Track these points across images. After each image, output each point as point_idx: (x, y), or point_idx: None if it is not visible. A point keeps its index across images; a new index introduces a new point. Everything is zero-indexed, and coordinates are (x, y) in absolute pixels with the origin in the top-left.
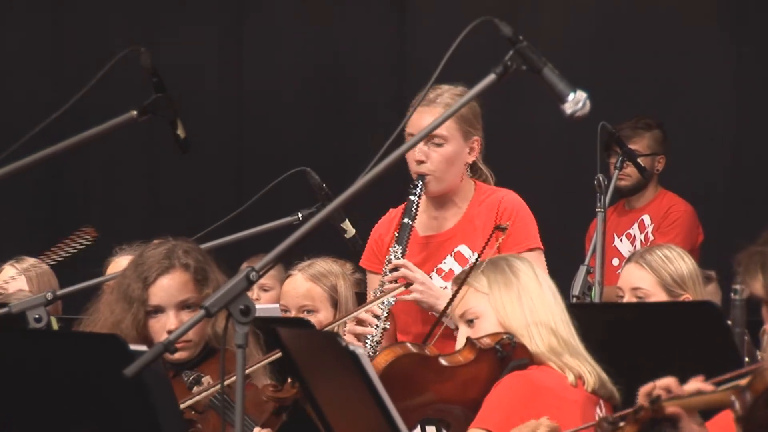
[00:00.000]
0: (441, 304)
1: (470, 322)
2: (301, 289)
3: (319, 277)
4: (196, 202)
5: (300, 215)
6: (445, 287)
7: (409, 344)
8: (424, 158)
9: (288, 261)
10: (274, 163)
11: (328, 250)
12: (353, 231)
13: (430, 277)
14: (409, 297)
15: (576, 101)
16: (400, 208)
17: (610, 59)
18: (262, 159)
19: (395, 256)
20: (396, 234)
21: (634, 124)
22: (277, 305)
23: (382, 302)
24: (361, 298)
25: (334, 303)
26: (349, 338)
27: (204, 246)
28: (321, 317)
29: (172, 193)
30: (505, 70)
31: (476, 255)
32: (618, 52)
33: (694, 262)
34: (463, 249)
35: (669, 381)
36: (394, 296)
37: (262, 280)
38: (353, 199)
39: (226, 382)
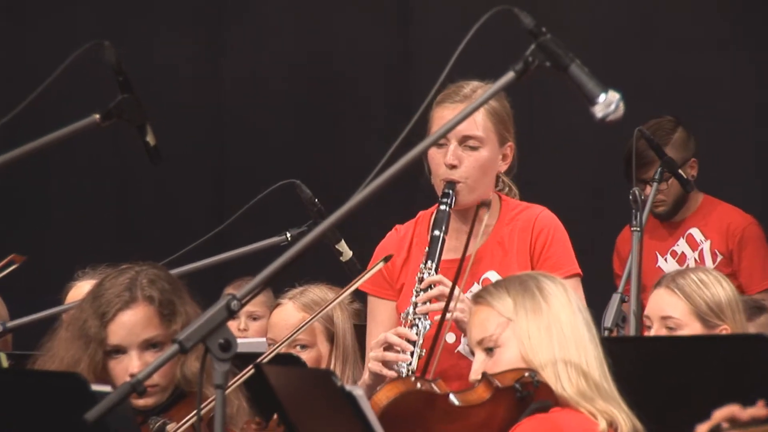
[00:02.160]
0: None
1: (489, 351)
2: (292, 321)
3: (313, 306)
4: (170, 219)
5: (289, 235)
6: None
7: (414, 379)
8: (456, 162)
9: (276, 287)
10: (259, 174)
11: (322, 276)
12: (350, 253)
13: None
14: (449, 317)
15: (608, 103)
16: (409, 224)
17: (640, 55)
18: (246, 170)
19: (428, 273)
20: (426, 249)
21: (659, 125)
22: (264, 339)
23: (417, 326)
24: (359, 331)
25: (331, 337)
26: (374, 366)
27: (179, 270)
28: (315, 353)
29: (143, 209)
30: (525, 67)
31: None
32: (649, 47)
33: (734, 288)
34: (493, 276)
35: (731, 410)
36: (428, 317)
37: (250, 307)
38: (350, 216)
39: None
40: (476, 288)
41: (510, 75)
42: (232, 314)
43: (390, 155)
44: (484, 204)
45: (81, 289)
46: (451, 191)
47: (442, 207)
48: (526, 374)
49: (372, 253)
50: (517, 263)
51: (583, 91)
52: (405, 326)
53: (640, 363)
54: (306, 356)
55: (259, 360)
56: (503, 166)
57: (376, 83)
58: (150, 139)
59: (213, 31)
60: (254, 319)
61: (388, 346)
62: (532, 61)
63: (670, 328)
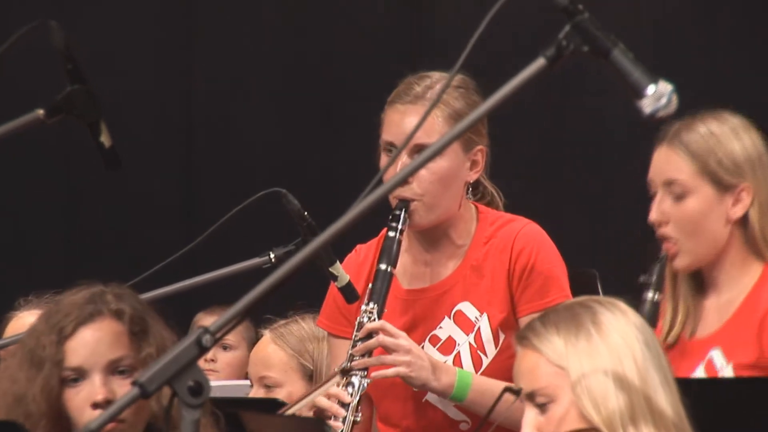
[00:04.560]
0: (438, 381)
1: (541, 407)
2: (262, 354)
3: (288, 339)
4: (129, 237)
5: (273, 255)
6: (446, 361)
7: None
8: (409, 177)
9: (256, 316)
10: (237, 182)
11: (314, 303)
12: (347, 277)
13: (422, 348)
14: (390, 373)
15: (658, 96)
16: (371, 244)
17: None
18: (222, 177)
19: (369, 317)
20: (370, 286)
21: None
22: (247, 381)
23: (352, 384)
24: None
25: (308, 374)
26: None
27: (142, 296)
28: (286, 394)
29: (97, 224)
30: (559, 53)
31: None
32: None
33: (758, 139)
34: (467, 308)
35: None
36: (367, 375)
37: None
38: (347, 233)
39: None
40: (447, 324)
41: (540, 62)
42: (204, 351)
43: (393, 161)
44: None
45: (23, 320)
46: (401, 212)
47: (390, 233)
48: None
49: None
50: (494, 291)
51: (628, 82)
52: (341, 383)
53: (708, 406)
54: (280, 396)
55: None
56: (472, 175)
57: (377, 77)
58: (105, 139)
59: (183, 10)
60: (225, 348)
61: (319, 410)
62: (566, 46)
63: (677, 196)
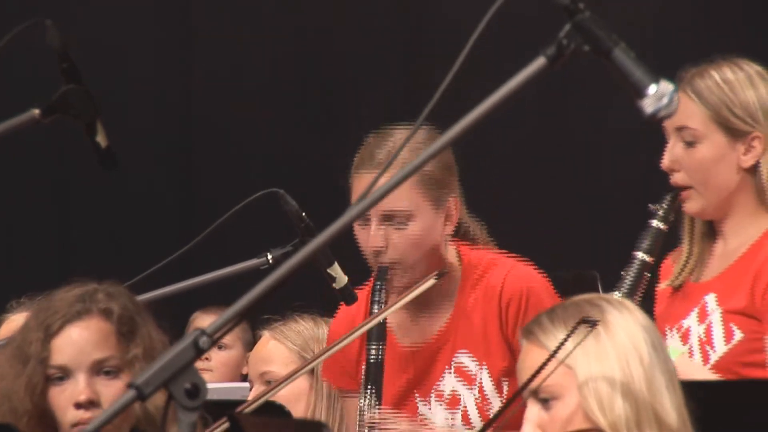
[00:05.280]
0: None
1: (545, 402)
2: (262, 351)
3: (288, 334)
4: (125, 238)
5: (270, 256)
6: (454, 416)
7: None
8: (382, 243)
9: (256, 319)
10: (234, 182)
11: (313, 305)
12: (345, 279)
13: (428, 405)
14: None
15: (659, 96)
16: (361, 295)
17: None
18: (219, 177)
19: (368, 404)
20: (363, 372)
21: None
22: (246, 384)
23: None
24: None
25: (311, 371)
26: None
27: (139, 298)
28: (292, 391)
29: (92, 225)
30: (559, 52)
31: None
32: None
33: None
34: (466, 360)
35: None
36: None
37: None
38: (345, 234)
39: None
40: (449, 378)
41: (541, 61)
42: (200, 353)
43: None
44: (440, 274)
45: (15, 322)
46: (380, 282)
47: (375, 306)
48: None
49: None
50: (490, 340)
51: (629, 81)
52: None
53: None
54: (280, 394)
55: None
56: (448, 227)
57: (378, 74)
58: (101, 139)
59: (181, 9)
60: (220, 348)
61: None
62: (567, 45)
63: (688, 142)
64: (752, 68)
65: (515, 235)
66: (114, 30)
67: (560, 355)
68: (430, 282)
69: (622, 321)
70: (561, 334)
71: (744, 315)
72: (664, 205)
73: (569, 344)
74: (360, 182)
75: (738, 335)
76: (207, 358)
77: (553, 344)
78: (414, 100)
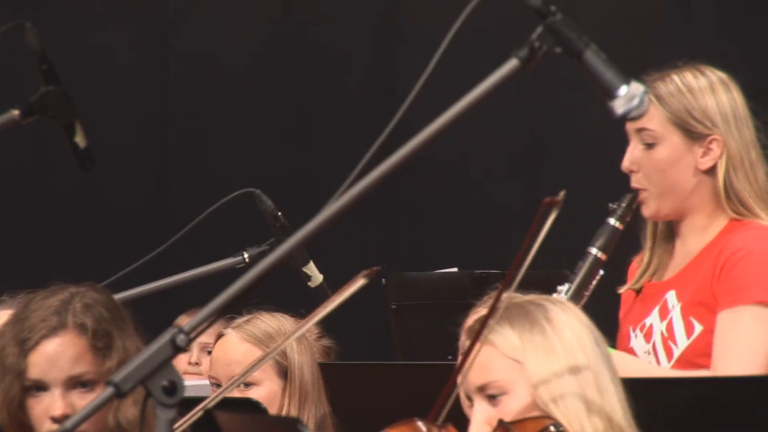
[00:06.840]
0: None
1: (492, 398)
2: (234, 354)
3: (261, 337)
4: (102, 237)
5: (246, 255)
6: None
7: (419, 422)
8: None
9: (231, 318)
10: (210, 182)
11: (288, 305)
12: (320, 277)
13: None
14: None
15: (630, 97)
16: None
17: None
18: (195, 176)
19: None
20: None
21: None
22: (207, 382)
23: None
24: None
25: (283, 372)
26: None
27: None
28: (264, 392)
29: (70, 223)
30: (531, 54)
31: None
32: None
33: (737, 96)
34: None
35: None
36: None
37: (204, 338)
38: (321, 233)
39: None
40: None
41: (513, 63)
42: (178, 350)
43: (370, 158)
44: (370, 275)
45: None
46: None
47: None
48: (552, 428)
49: (346, 276)
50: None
51: (600, 82)
52: None
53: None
54: (253, 396)
55: (202, 405)
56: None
57: (355, 77)
58: (79, 139)
59: (158, 9)
60: (209, 352)
61: None
62: (539, 47)
63: (647, 144)
64: (715, 75)
65: (485, 234)
66: (90, 32)
67: (507, 350)
68: (360, 283)
69: (566, 318)
70: (508, 331)
71: (702, 305)
72: (623, 205)
73: (516, 340)
74: None
75: (698, 328)
76: (198, 363)
77: (500, 341)
78: (391, 100)
